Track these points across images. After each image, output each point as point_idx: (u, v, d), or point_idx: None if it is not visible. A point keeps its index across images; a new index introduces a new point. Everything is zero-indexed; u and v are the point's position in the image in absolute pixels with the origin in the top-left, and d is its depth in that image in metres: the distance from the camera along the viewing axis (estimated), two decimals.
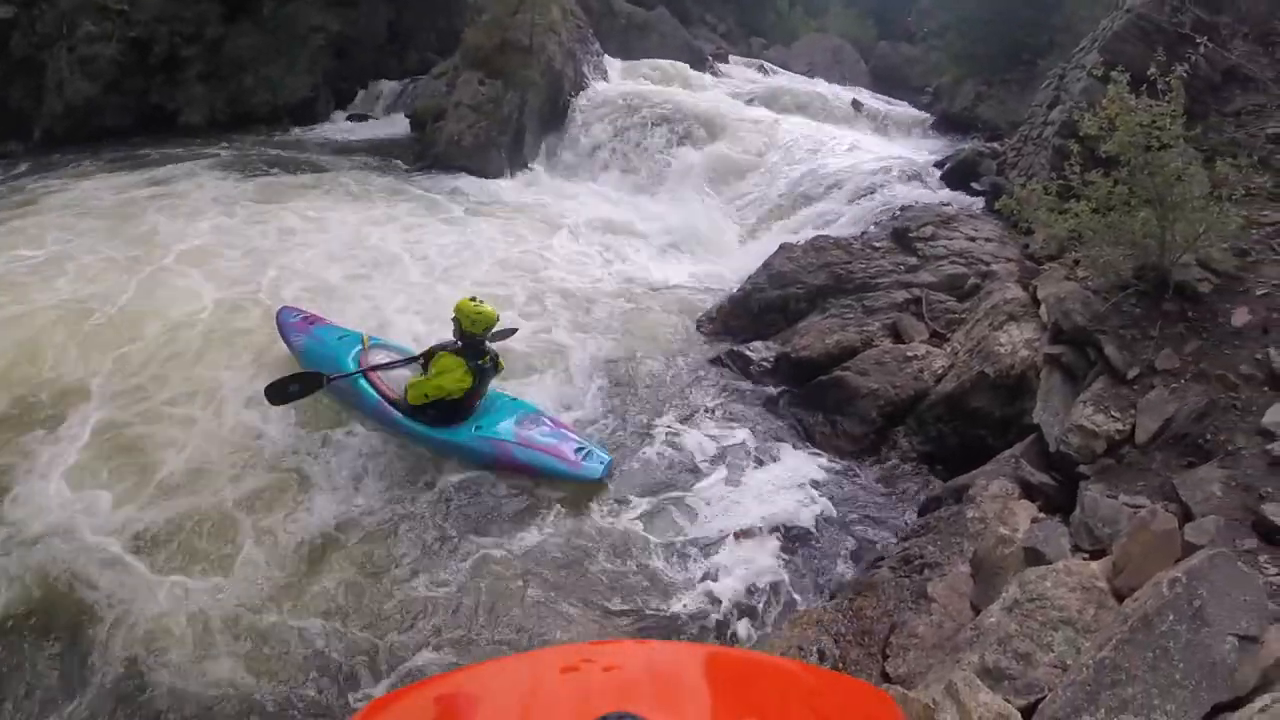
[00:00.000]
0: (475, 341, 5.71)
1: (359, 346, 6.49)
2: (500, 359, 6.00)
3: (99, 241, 9.41)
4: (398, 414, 5.90)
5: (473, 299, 5.71)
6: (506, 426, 5.80)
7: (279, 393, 5.65)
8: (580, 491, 5.59)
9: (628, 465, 5.99)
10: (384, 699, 2.13)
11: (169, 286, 8.31)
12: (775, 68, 23.68)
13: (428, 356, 5.94)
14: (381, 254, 9.55)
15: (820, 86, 19.88)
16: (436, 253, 9.78)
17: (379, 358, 6.32)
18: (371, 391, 6.04)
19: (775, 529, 5.33)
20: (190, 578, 4.70)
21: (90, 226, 9.96)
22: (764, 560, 5.06)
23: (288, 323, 6.89)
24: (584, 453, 5.70)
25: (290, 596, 4.64)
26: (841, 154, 12.17)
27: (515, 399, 6.28)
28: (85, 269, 8.63)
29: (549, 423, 6.00)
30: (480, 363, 5.71)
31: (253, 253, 9.33)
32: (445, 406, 5.73)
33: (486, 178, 13.21)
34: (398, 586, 4.75)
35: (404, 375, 6.16)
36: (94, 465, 5.63)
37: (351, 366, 6.15)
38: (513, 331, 6.95)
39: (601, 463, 5.68)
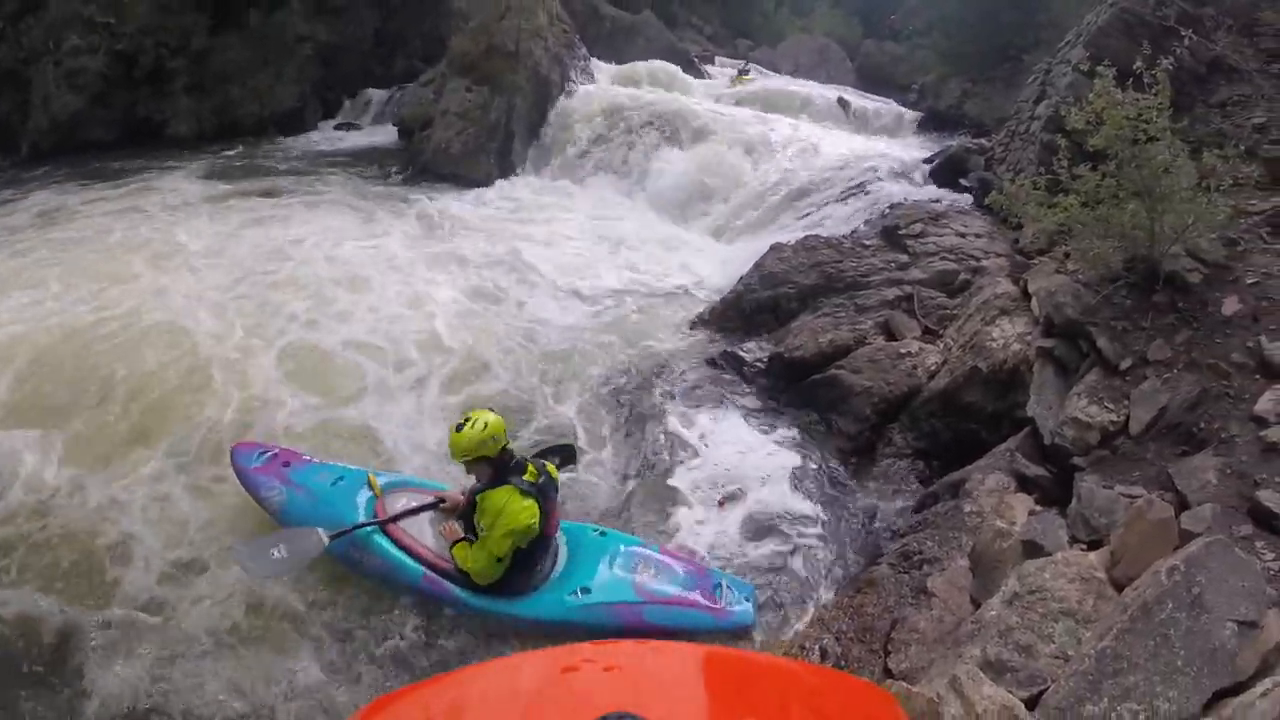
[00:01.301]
0: (505, 460, 4.24)
1: (367, 492, 4.76)
2: (549, 465, 4.48)
3: (51, 257, 9.07)
4: (456, 589, 4.30)
5: (458, 425, 4.18)
6: (619, 581, 4.39)
7: (258, 560, 4.18)
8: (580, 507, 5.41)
9: (625, 473, 5.96)
10: (385, 698, 2.13)
11: (120, 310, 7.53)
12: (760, 68, 23.78)
13: (465, 508, 4.38)
14: (353, 272, 8.96)
15: (807, 86, 19.97)
16: (418, 267, 9.39)
17: (399, 504, 4.68)
18: (405, 559, 4.40)
19: (773, 530, 5.34)
20: None
21: (47, 240, 9.72)
22: (764, 561, 5.07)
23: (249, 469, 4.93)
24: (720, 589, 4.48)
25: None
26: (829, 153, 12.22)
27: (603, 531, 4.83)
28: (26, 284, 8.20)
29: (663, 557, 4.65)
30: (526, 479, 4.18)
31: (227, 274, 8.73)
32: (520, 558, 4.23)
33: (475, 184, 13.20)
34: None
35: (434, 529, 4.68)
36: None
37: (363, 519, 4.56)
38: (571, 455, 5.17)
39: (748, 598, 4.50)
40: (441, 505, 4.71)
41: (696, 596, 4.38)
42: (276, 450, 5.13)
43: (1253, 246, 5.06)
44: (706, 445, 6.27)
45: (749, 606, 4.45)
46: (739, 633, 4.35)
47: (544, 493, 4.22)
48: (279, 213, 11.11)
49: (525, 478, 4.18)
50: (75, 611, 4.35)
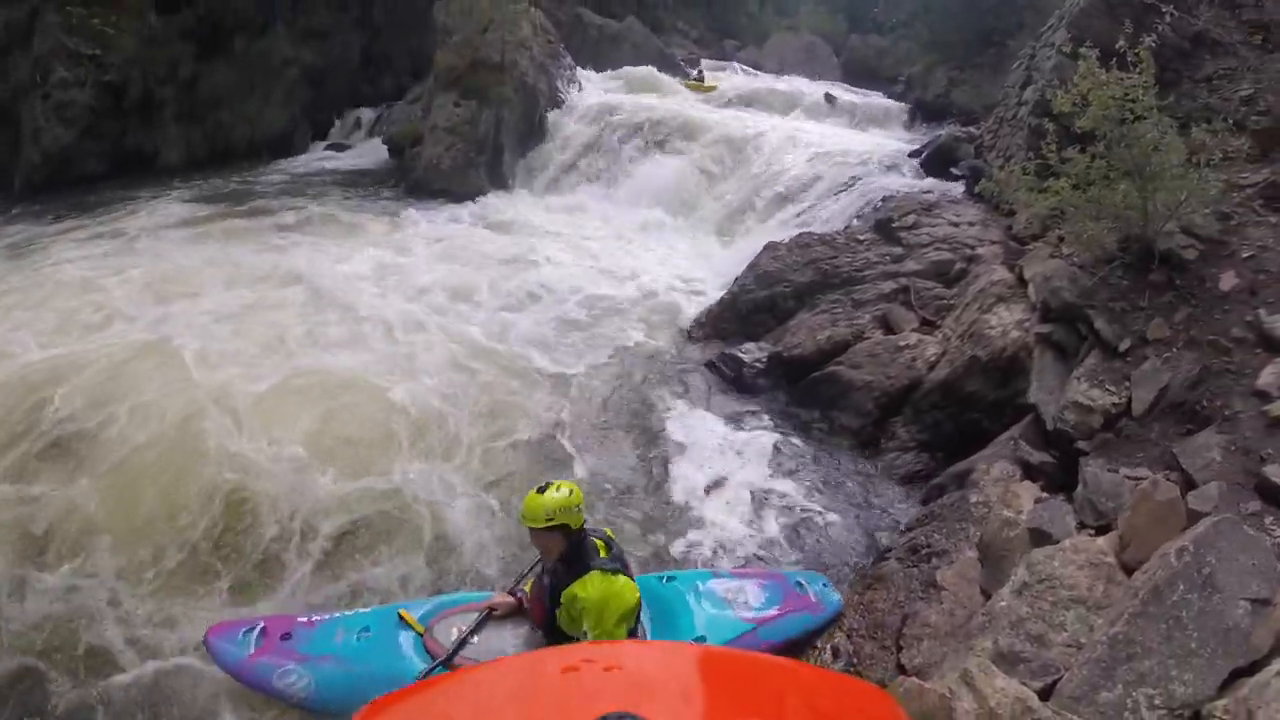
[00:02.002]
0: (581, 539, 3.67)
1: (407, 633, 3.98)
2: (607, 530, 3.99)
3: (23, 290, 8.69)
4: None
5: (540, 488, 3.64)
6: (722, 618, 4.20)
7: None
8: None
9: (629, 481, 5.91)
10: (385, 698, 2.11)
11: (99, 345, 6.98)
12: (747, 68, 23.80)
13: (546, 615, 3.74)
14: (349, 299, 8.64)
15: (794, 84, 19.98)
16: (411, 289, 9.15)
17: (450, 634, 3.95)
18: None
19: (780, 530, 5.31)
20: None
21: (21, 274, 9.43)
22: (773, 561, 5.04)
23: (244, 660, 3.83)
24: (801, 585, 4.49)
25: None
26: (819, 149, 12.19)
27: (671, 576, 4.52)
28: None
29: (738, 579, 4.52)
30: (604, 559, 3.67)
31: (218, 302, 8.33)
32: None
33: (466, 199, 13.18)
34: None
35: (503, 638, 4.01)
36: None
37: (419, 666, 3.77)
38: None
39: (825, 584, 4.56)
40: (494, 614, 4.05)
41: (791, 602, 4.34)
42: (262, 623, 4.02)
43: (1247, 220, 5.03)
44: (710, 450, 6.23)
45: (828, 591, 4.48)
46: (835, 619, 4.37)
47: (624, 563, 3.77)
48: (271, 239, 11.01)
49: (601, 556, 3.69)
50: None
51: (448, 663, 3.74)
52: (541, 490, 3.63)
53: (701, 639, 4.01)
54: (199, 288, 8.82)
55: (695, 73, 21.01)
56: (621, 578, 3.59)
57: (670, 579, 4.45)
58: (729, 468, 6.03)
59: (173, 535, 4.91)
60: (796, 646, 4.21)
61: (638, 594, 3.62)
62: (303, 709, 3.79)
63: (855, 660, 3.97)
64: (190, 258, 9.96)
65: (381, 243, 10.98)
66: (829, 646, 4.12)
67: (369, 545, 5.05)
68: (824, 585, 4.52)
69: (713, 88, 19.09)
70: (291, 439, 5.82)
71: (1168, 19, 6.15)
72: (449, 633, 3.96)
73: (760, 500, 5.66)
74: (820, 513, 5.53)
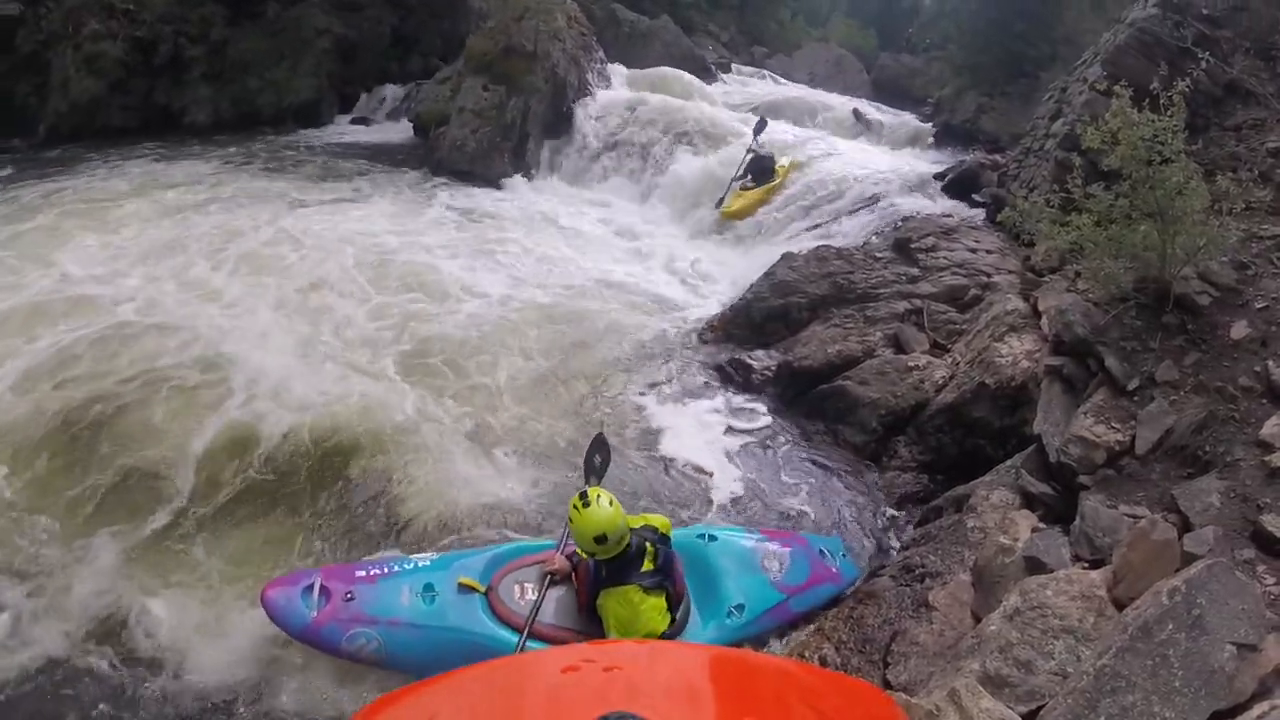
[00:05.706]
0: (629, 545, 3.68)
1: (471, 595, 4.01)
2: (654, 522, 4.03)
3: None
4: None
5: (584, 501, 3.61)
6: (758, 584, 4.42)
7: None
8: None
9: (625, 477, 5.95)
10: (385, 698, 2.14)
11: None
12: (777, 77, 23.81)
13: (587, 597, 3.87)
14: (355, 270, 8.85)
15: (822, 96, 19.98)
16: (439, 266, 9.33)
17: (513, 594, 4.10)
18: None
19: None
20: None
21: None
22: None
23: (306, 625, 3.80)
24: (824, 553, 4.75)
25: None
26: (843, 164, 12.20)
27: (712, 535, 4.65)
28: None
29: (771, 543, 4.71)
30: (646, 573, 3.67)
31: (238, 268, 8.69)
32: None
33: (489, 184, 13.22)
34: None
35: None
36: None
37: (489, 627, 3.92)
38: (603, 445, 5.03)
39: (844, 553, 4.89)
40: (553, 578, 4.05)
41: (817, 571, 4.63)
42: (318, 579, 3.93)
43: (1263, 271, 5.06)
44: (710, 452, 6.30)
45: (845, 561, 4.84)
46: (848, 586, 4.73)
47: (666, 573, 3.78)
48: (296, 203, 11.12)
49: (645, 568, 3.66)
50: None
51: (530, 634, 3.79)
52: (585, 503, 3.59)
53: (740, 607, 4.26)
54: (225, 252, 9.03)
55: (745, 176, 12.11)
56: (654, 599, 3.62)
57: (711, 538, 4.62)
58: (727, 471, 6.09)
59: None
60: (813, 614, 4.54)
61: (664, 623, 3.69)
62: (375, 667, 3.87)
63: (842, 672, 4.01)
64: (221, 223, 10.05)
65: (398, 215, 11.08)
66: (817, 657, 4.17)
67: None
68: (843, 555, 4.88)
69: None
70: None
71: (1203, 65, 6.16)
72: (512, 592, 4.07)
73: (756, 507, 5.72)
74: (816, 524, 5.58)
